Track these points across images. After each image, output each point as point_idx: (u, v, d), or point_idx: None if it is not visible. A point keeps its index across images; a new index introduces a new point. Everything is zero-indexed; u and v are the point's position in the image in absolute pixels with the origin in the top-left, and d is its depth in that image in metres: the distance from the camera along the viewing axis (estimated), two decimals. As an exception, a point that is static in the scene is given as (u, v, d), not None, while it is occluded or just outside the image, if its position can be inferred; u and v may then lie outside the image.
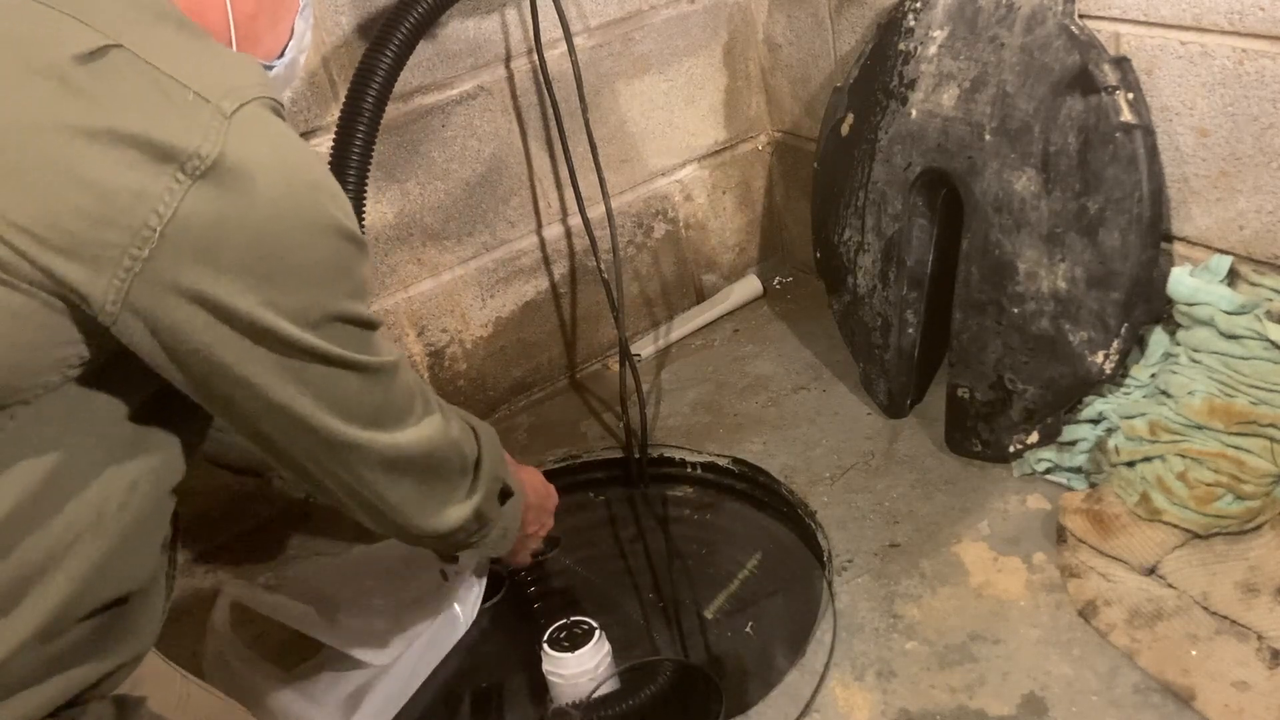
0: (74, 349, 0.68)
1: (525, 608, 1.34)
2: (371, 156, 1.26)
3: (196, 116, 0.65)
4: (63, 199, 0.63)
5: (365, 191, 1.27)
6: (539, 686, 1.21)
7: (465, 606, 1.23)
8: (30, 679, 0.73)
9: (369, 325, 0.79)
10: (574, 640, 1.17)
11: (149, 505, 0.78)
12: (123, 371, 0.71)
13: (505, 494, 1.04)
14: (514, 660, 1.29)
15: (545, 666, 1.18)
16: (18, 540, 0.71)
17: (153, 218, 0.64)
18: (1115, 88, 1.19)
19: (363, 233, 0.79)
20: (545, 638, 1.18)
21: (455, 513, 0.94)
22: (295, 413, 0.76)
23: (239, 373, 0.71)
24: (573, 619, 1.20)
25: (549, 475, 1.55)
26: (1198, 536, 1.15)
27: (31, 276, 0.64)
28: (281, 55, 0.85)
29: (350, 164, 1.24)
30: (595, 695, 1.16)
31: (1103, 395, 1.28)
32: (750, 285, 1.91)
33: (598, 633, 1.17)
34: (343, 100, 1.44)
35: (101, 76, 0.65)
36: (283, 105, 0.73)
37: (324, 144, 1.44)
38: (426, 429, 0.87)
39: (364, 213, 1.29)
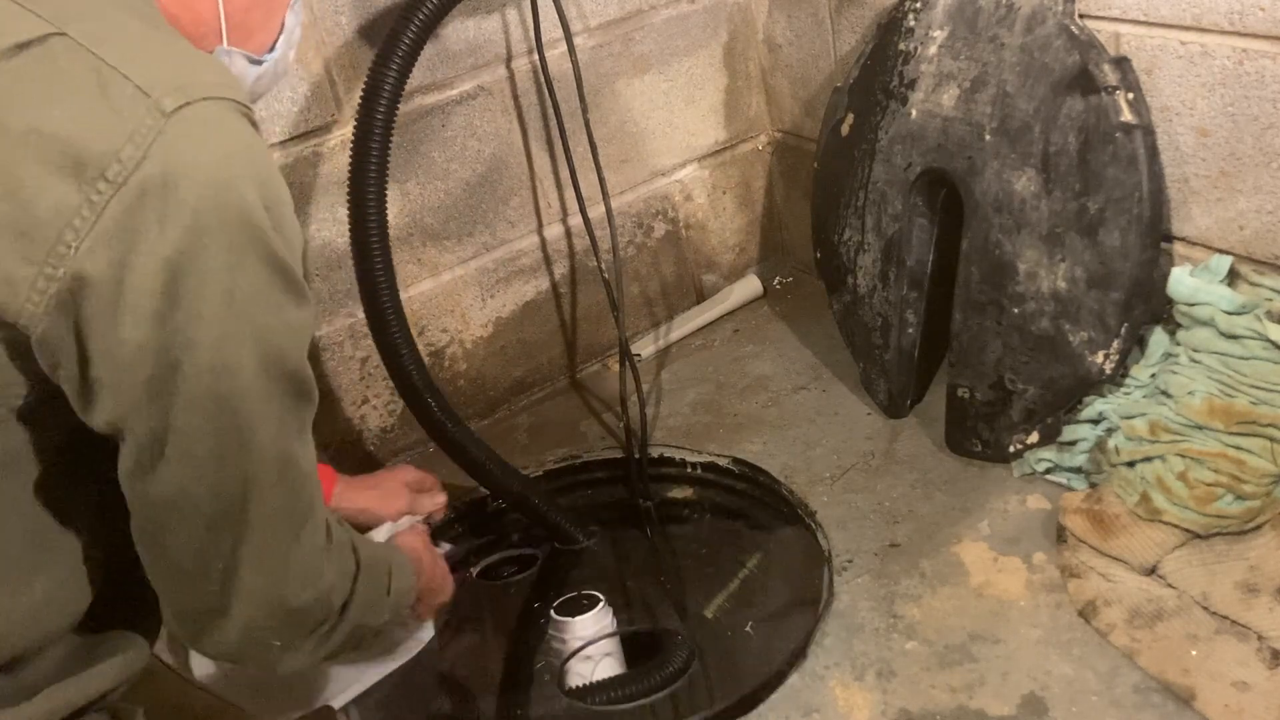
0: (12, 371, 0.64)
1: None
2: (388, 169, 1.27)
3: (129, 113, 0.60)
4: None
5: (385, 200, 1.28)
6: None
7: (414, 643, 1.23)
8: (10, 699, 0.71)
9: (297, 389, 0.70)
10: (580, 609, 1.24)
11: (86, 533, 0.74)
12: (53, 400, 0.66)
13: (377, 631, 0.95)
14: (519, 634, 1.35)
15: (550, 631, 1.24)
16: None
17: (69, 233, 0.59)
18: (1115, 88, 1.19)
19: (309, 286, 0.73)
20: (554, 606, 1.25)
21: (300, 659, 0.83)
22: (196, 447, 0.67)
23: (137, 408, 0.65)
24: (582, 591, 1.26)
25: (549, 475, 1.57)
26: (1198, 536, 1.15)
27: None
28: (272, 49, 0.83)
29: (369, 177, 1.25)
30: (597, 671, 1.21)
31: (1103, 395, 1.28)
32: (750, 285, 1.91)
33: (602, 602, 1.24)
34: (342, 101, 1.44)
35: (32, 67, 0.60)
36: (250, 109, 0.67)
37: (324, 143, 1.45)
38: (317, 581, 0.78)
39: (386, 220, 1.29)
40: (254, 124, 0.67)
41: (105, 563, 0.77)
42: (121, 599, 0.79)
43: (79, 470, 0.73)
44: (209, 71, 0.66)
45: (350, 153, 1.26)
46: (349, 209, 1.27)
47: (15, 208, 0.59)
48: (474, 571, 1.47)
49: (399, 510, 1.24)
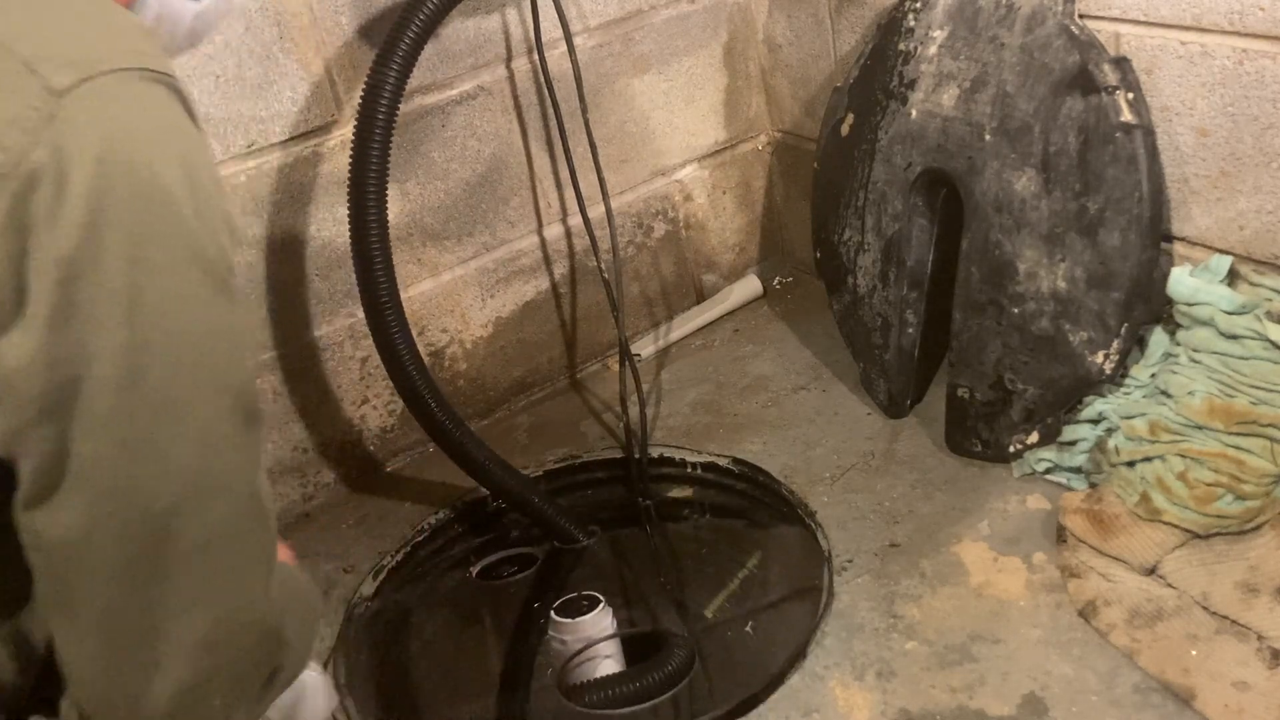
0: None
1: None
2: (388, 169, 1.27)
3: (14, 95, 0.52)
4: None
5: (386, 199, 1.28)
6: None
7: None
8: None
9: (234, 407, 0.60)
10: (580, 610, 1.24)
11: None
12: None
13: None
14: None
15: (550, 632, 1.24)
16: None
17: None
18: (1115, 88, 1.19)
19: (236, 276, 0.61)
20: (554, 606, 1.25)
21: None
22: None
23: (29, 427, 0.55)
24: (582, 592, 1.26)
25: (549, 475, 1.57)
26: (1198, 536, 1.15)
27: None
28: None
29: (370, 177, 1.25)
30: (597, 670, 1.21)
31: (1103, 395, 1.28)
32: (750, 285, 1.91)
33: (602, 603, 1.24)
34: (342, 101, 1.45)
35: None
36: (171, 77, 0.57)
37: (325, 143, 1.45)
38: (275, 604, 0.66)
39: (386, 220, 1.29)
40: (177, 92, 0.58)
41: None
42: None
43: None
44: (118, 36, 0.57)
45: (350, 153, 1.26)
46: (349, 209, 1.27)
47: None
48: (474, 571, 1.47)
49: None
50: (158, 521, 0.58)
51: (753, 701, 1.13)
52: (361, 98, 1.25)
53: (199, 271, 0.57)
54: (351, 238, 1.28)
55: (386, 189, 1.27)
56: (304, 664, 0.74)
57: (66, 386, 0.55)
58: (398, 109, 1.25)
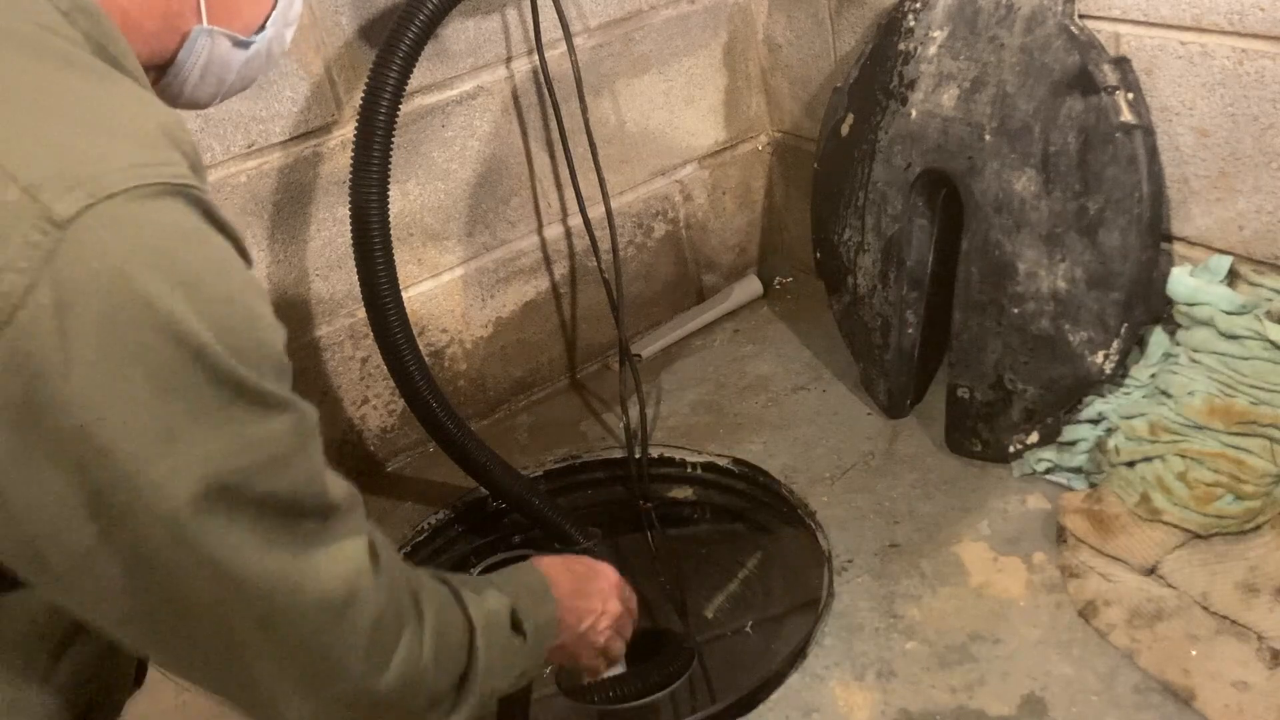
0: None
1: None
2: (390, 169, 1.27)
3: (11, 228, 0.47)
4: None
5: (388, 200, 1.28)
6: None
7: None
8: None
9: (287, 511, 0.56)
10: None
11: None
12: None
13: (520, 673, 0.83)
14: None
15: None
16: None
17: None
18: (1115, 88, 1.19)
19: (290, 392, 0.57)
20: None
21: None
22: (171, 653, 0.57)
23: (102, 570, 0.52)
24: None
25: (549, 475, 1.56)
26: (1198, 536, 1.15)
27: None
28: (262, 28, 0.71)
29: (371, 177, 1.25)
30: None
31: (1103, 395, 1.28)
32: (750, 285, 1.91)
33: None
34: (342, 101, 1.45)
35: None
36: (194, 187, 0.52)
37: (325, 144, 1.45)
38: (395, 674, 0.65)
39: (388, 221, 1.29)
40: (197, 201, 0.53)
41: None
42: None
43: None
44: (129, 141, 0.51)
45: (352, 153, 1.26)
46: (351, 210, 1.27)
47: None
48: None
49: None
50: (225, 630, 0.58)
51: (753, 701, 1.13)
52: (362, 98, 1.25)
53: (230, 392, 0.53)
54: (354, 239, 1.28)
55: (388, 188, 1.27)
56: (495, 690, 0.77)
57: (116, 525, 0.53)
58: (399, 109, 1.25)
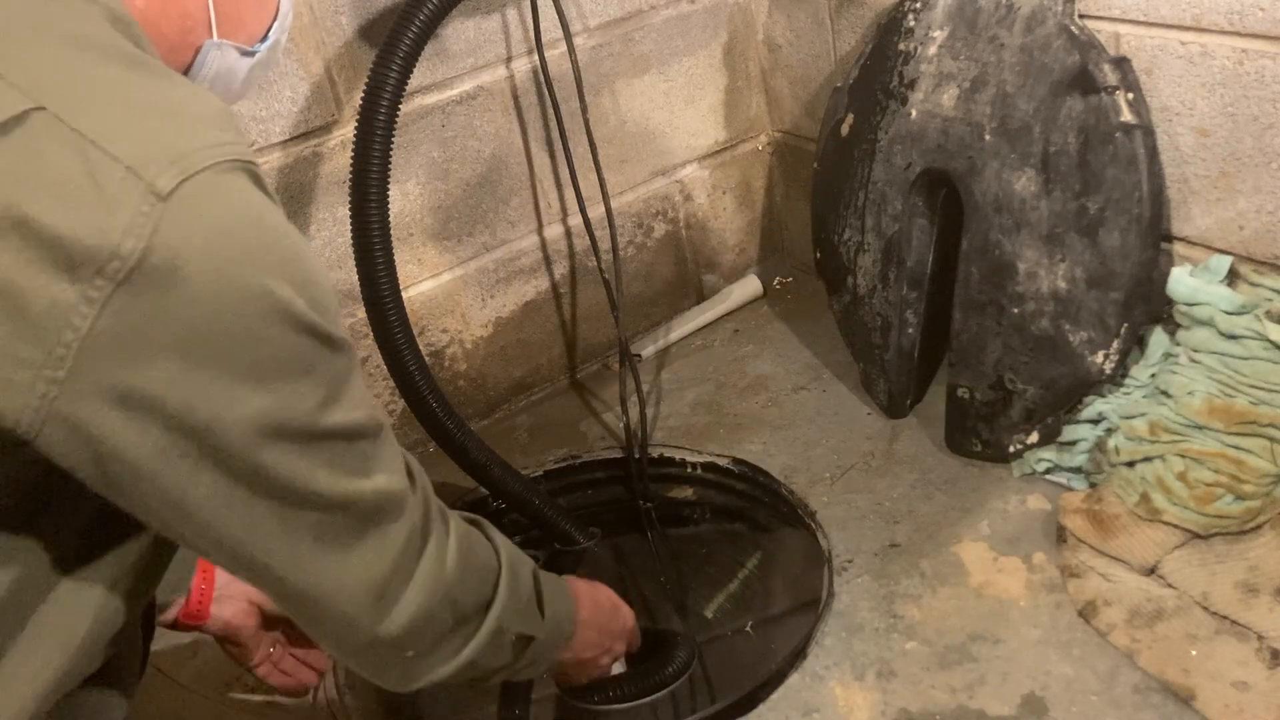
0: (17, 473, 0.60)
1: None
2: (389, 169, 1.26)
3: (123, 202, 0.55)
4: None
5: (388, 200, 1.28)
6: None
7: None
8: None
9: (349, 436, 0.66)
10: None
11: (114, 617, 0.71)
12: (63, 485, 0.62)
13: (527, 639, 0.89)
14: None
15: None
16: None
17: (67, 333, 0.55)
18: (1115, 88, 1.19)
19: (345, 332, 0.67)
20: None
21: (437, 671, 0.80)
22: (244, 553, 0.65)
23: (173, 490, 0.61)
24: None
25: (549, 475, 1.57)
26: (1198, 536, 1.15)
27: None
28: (265, 38, 0.77)
29: (371, 177, 1.25)
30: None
31: (1103, 395, 1.28)
32: (750, 285, 1.91)
33: None
34: (342, 101, 1.45)
35: (12, 153, 0.55)
36: (252, 162, 0.62)
37: (325, 144, 1.45)
38: (412, 601, 0.74)
39: (388, 221, 1.29)
40: (256, 177, 0.62)
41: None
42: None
43: (103, 545, 0.69)
44: (205, 128, 0.60)
45: (352, 153, 1.26)
46: (351, 210, 1.27)
47: (6, 309, 0.55)
48: None
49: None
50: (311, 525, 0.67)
51: (753, 701, 1.13)
52: (362, 98, 1.25)
53: (302, 336, 0.62)
54: (354, 238, 1.28)
55: (388, 188, 1.27)
56: (511, 633, 0.85)
57: (203, 456, 0.61)
58: (399, 109, 1.25)
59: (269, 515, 0.64)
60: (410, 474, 0.74)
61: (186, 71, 0.73)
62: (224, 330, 0.58)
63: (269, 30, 0.78)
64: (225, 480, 0.62)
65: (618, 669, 1.21)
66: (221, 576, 1.04)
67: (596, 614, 1.03)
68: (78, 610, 0.69)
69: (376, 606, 0.72)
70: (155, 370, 0.57)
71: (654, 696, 1.19)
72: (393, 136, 1.25)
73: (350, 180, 1.27)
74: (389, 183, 1.27)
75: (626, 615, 1.09)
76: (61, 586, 0.67)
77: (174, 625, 1.00)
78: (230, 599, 1.03)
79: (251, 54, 0.76)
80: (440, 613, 0.77)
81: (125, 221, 0.55)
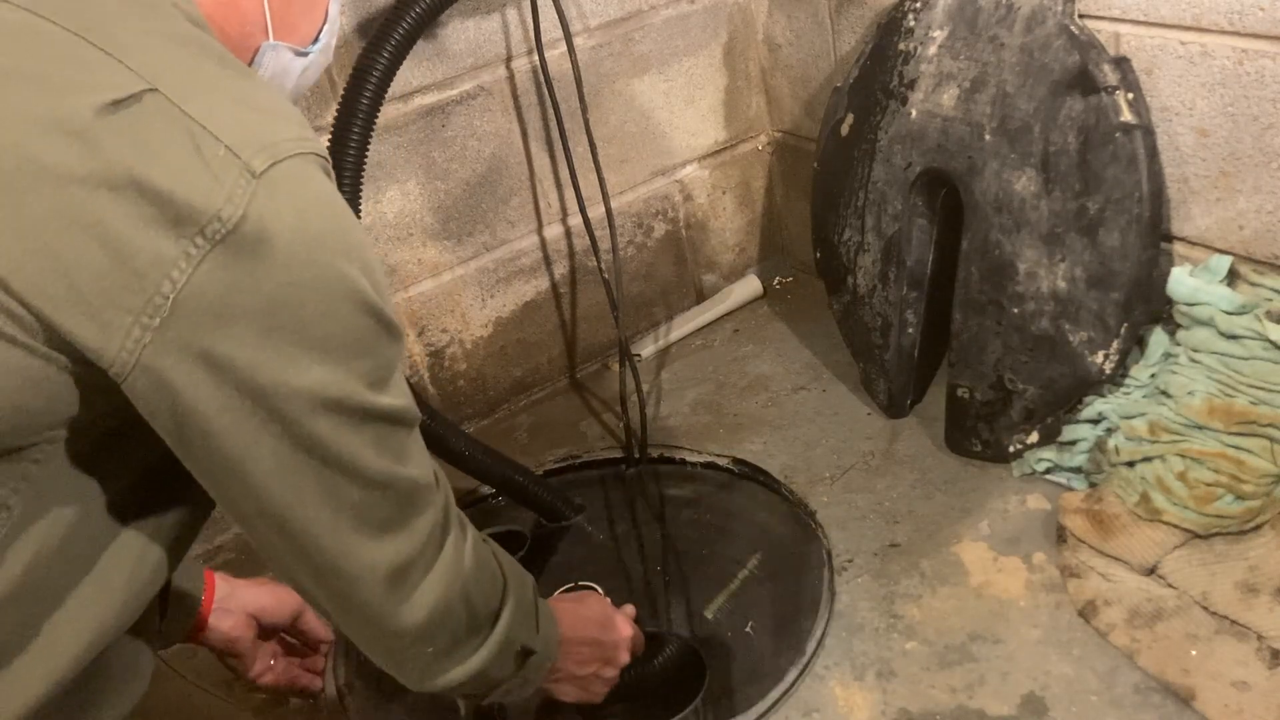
0: (81, 407, 0.65)
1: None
2: (366, 157, 1.25)
3: (224, 174, 0.62)
4: (76, 253, 0.60)
5: (361, 190, 1.26)
6: None
7: None
8: None
9: (393, 420, 0.72)
10: None
11: (159, 569, 0.76)
12: (135, 431, 0.67)
13: (527, 653, 0.92)
14: None
15: None
16: (29, 607, 0.69)
17: (166, 284, 0.61)
18: (1115, 88, 1.19)
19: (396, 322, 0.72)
20: (550, 599, 1.22)
21: (453, 674, 0.84)
22: (291, 519, 0.70)
23: (236, 449, 0.66)
24: (579, 583, 1.26)
25: (548, 475, 1.56)
26: (1198, 536, 1.15)
27: (36, 332, 0.61)
28: (316, 40, 0.82)
29: (346, 164, 1.23)
30: None
31: (1103, 395, 1.28)
32: (750, 285, 1.91)
33: (599, 594, 1.22)
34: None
35: (130, 125, 0.61)
36: (326, 158, 0.69)
37: (325, 143, 1.45)
38: (432, 590, 0.78)
39: (360, 212, 1.28)
40: (328, 171, 0.69)
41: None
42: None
43: (158, 496, 0.74)
44: (287, 123, 0.67)
45: (329, 135, 1.24)
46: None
47: (113, 257, 0.60)
48: None
49: (295, 606, 1.15)
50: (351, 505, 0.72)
51: (752, 701, 1.13)
52: (347, 82, 1.24)
53: (367, 317, 0.68)
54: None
55: (363, 173, 1.24)
56: (516, 644, 0.88)
57: (267, 414, 0.66)
58: (384, 94, 1.24)
59: (319, 484, 0.69)
60: (435, 473, 0.79)
61: None
62: (300, 302, 0.64)
63: (319, 33, 0.83)
64: (285, 445, 0.67)
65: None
66: (221, 590, 1.07)
67: (584, 629, 1.05)
68: (137, 557, 0.73)
69: (399, 591, 0.75)
70: (235, 331, 0.63)
71: (653, 697, 1.18)
72: (374, 122, 1.23)
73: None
74: (364, 165, 1.24)
75: (622, 625, 1.10)
76: (123, 534, 0.72)
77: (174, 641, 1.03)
78: (228, 612, 1.07)
79: (304, 54, 0.81)
80: (457, 608, 0.80)
81: (227, 190, 0.61)
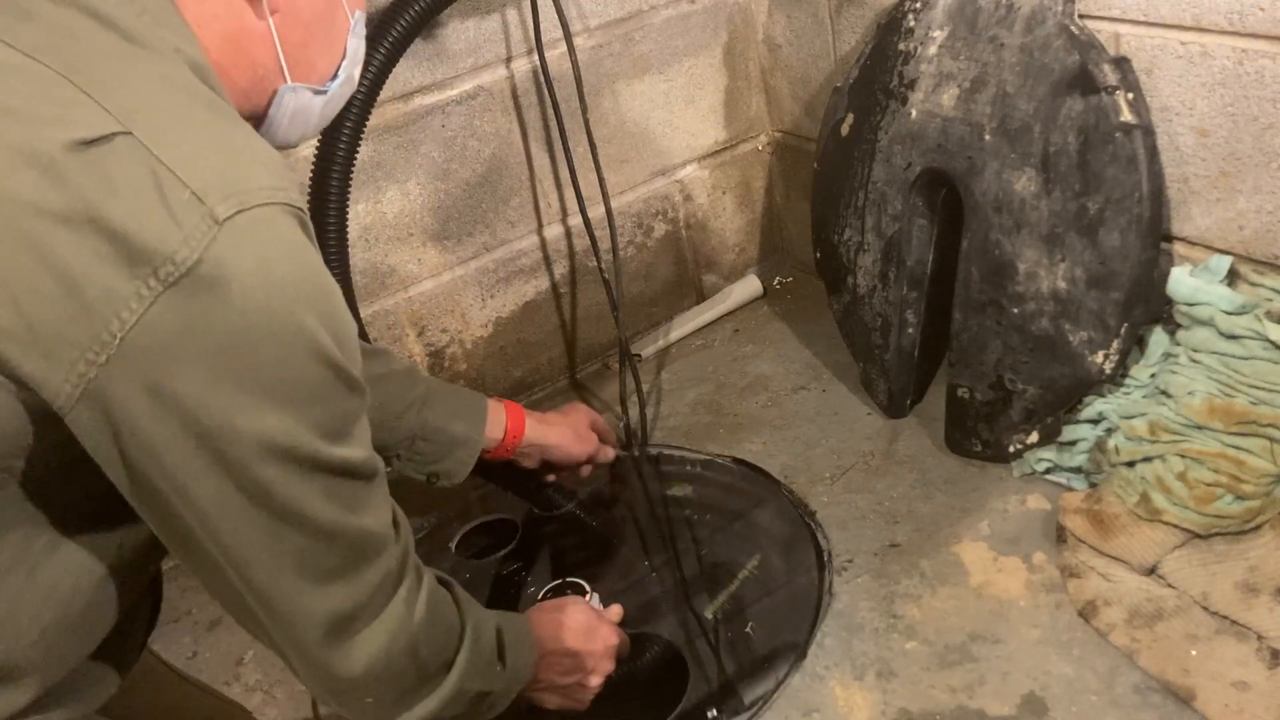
0: (28, 436, 0.64)
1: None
2: (356, 156, 1.25)
3: (185, 218, 0.61)
4: (29, 283, 0.59)
5: (349, 190, 1.26)
6: None
7: None
8: None
9: (348, 473, 0.71)
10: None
11: (107, 588, 0.74)
12: (87, 464, 0.66)
13: (485, 694, 0.91)
14: None
15: None
16: None
17: (115, 322, 0.60)
18: (1115, 88, 1.19)
19: (358, 377, 0.71)
20: (540, 595, 1.24)
21: (405, 717, 0.83)
22: (231, 554, 0.69)
23: (176, 485, 0.65)
24: (567, 579, 1.27)
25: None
26: (1198, 536, 1.15)
27: None
28: (335, 76, 0.82)
29: (335, 164, 1.23)
30: None
31: (1103, 395, 1.28)
32: (750, 285, 1.91)
33: (589, 592, 1.23)
34: (343, 100, 1.44)
35: (97, 164, 0.61)
36: (301, 209, 0.68)
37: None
38: (373, 642, 0.76)
39: (347, 214, 1.28)
40: (304, 223, 0.68)
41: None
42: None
43: (110, 520, 0.73)
44: (264, 172, 0.66)
45: (319, 139, 1.24)
46: (310, 188, 1.25)
47: (64, 290, 0.60)
48: (453, 545, 1.47)
49: (587, 452, 1.36)
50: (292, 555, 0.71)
51: (752, 701, 1.13)
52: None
53: (323, 367, 0.67)
54: (311, 194, 1.25)
55: (352, 168, 1.24)
56: (472, 692, 0.87)
57: (212, 460, 0.65)
58: (378, 91, 1.24)
59: (261, 528, 0.68)
60: (395, 523, 0.78)
61: (264, 112, 0.79)
62: (253, 347, 0.63)
63: (338, 69, 0.83)
64: (229, 487, 0.66)
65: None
66: (530, 434, 1.30)
67: (567, 639, 1.05)
68: (74, 576, 0.72)
69: (337, 639, 0.74)
70: (185, 370, 0.62)
71: (650, 698, 1.18)
72: (366, 119, 1.24)
73: (314, 156, 1.24)
74: (354, 161, 1.24)
75: (606, 634, 1.10)
76: (61, 550, 0.71)
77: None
78: (526, 456, 1.31)
79: (324, 92, 0.82)
80: (400, 662, 0.79)
81: (185, 233, 0.61)
